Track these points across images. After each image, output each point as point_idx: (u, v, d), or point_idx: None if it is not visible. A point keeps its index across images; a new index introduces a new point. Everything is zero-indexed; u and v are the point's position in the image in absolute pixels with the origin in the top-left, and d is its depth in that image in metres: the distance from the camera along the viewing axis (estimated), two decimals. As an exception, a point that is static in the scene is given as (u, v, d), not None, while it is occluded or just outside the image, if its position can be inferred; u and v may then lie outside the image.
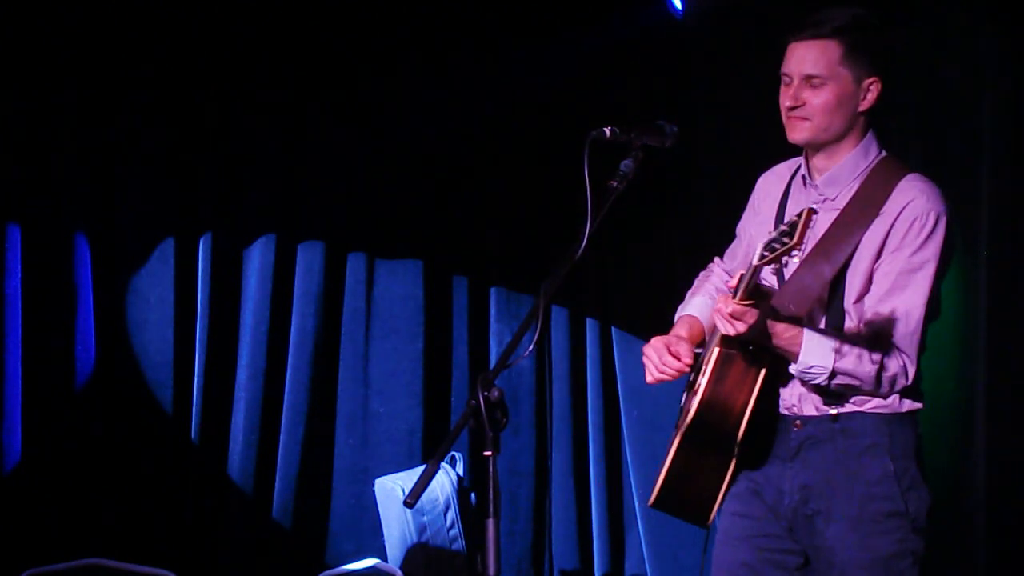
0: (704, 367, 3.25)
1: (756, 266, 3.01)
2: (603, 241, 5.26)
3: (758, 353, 3.15)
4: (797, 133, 3.26)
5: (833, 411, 3.22)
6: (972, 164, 4.67)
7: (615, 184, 3.18)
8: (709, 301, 3.50)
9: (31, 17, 4.97)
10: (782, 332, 3.10)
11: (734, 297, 3.07)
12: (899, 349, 3.16)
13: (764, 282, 3.29)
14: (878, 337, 3.15)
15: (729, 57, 5.13)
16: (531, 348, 3.26)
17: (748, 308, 3.05)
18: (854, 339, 3.14)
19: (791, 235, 2.89)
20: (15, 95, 4.96)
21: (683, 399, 3.44)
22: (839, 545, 3.19)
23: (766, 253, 2.96)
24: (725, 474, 3.24)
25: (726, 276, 3.54)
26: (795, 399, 3.25)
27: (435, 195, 5.62)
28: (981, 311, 4.60)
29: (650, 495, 3.36)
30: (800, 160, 3.40)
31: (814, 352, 3.11)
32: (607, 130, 3.14)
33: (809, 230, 2.88)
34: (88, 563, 4.74)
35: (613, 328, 5.53)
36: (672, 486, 3.27)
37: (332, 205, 5.50)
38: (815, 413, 3.23)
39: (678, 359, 3.30)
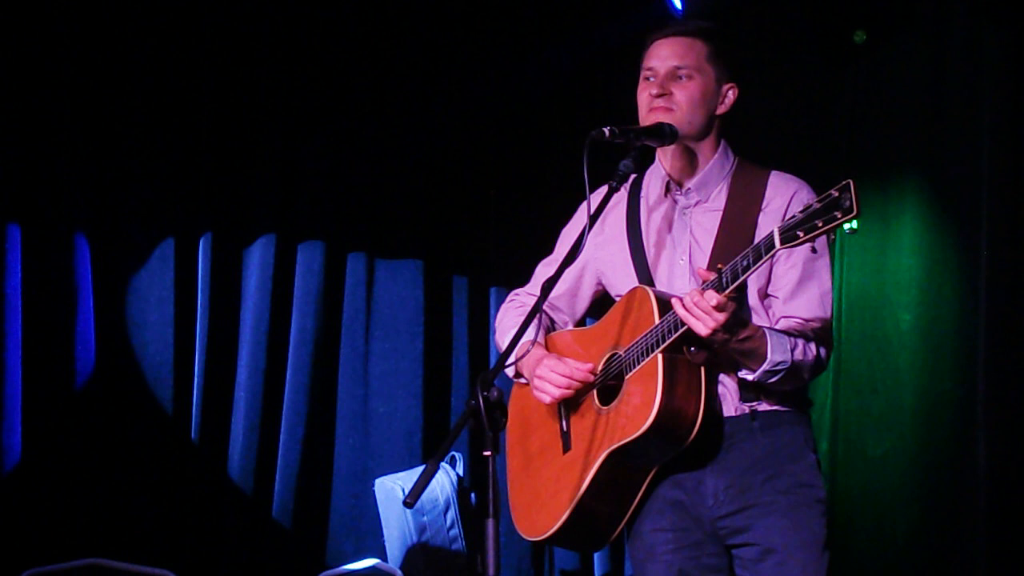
0: (629, 380, 3.18)
1: (779, 250, 2.90)
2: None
3: (698, 355, 3.11)
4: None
5: (750, 409, 3.22)
6: (972, 164, 4.67)
7: (615, 184, 3.19)
8: (532, 329, 3.40)
9: (31, 17, 4.97)
10: (755, 332, 3.10)
11: (720, 290, 2.99)
12: (821, 334, 3.21)
13: (660, 287, 3.27)
14: (804, 325, 3.19)
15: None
16: (531, 348, 3.26)
17: (730, 300, 3.00)
18: (791, 331, 3.16)
19: (838, 208, 2.79)
20: (15, 95, 4.95)
21: (563, 425, 3.36)
22: (778, 531, 3.18)
23: (799, 234, 2.85)
24: (639, 490, 3.22)
25: (543, 306, 3.45)
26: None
27: (435, 195, 5.62)
28: (981, 311, 4.59)
29: (537, 529, 3.30)
30: (605, 186, 3.29)
31: (778, 349, 3.11)
32: (607, 130, 3.14)
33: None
34: (88, 563, 4.73)
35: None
36: (582, 515, 3.21)
37: (332, 205, 5.49)
38: (733, 413, 3.23)
39: (579, 368, 3.28)
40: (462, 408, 2.99)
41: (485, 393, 2.77)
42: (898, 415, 4.88)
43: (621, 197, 3.43)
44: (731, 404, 3.23)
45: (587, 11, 5.44)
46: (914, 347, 4.86)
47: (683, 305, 3.04)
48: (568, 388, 3.29)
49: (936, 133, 4.84)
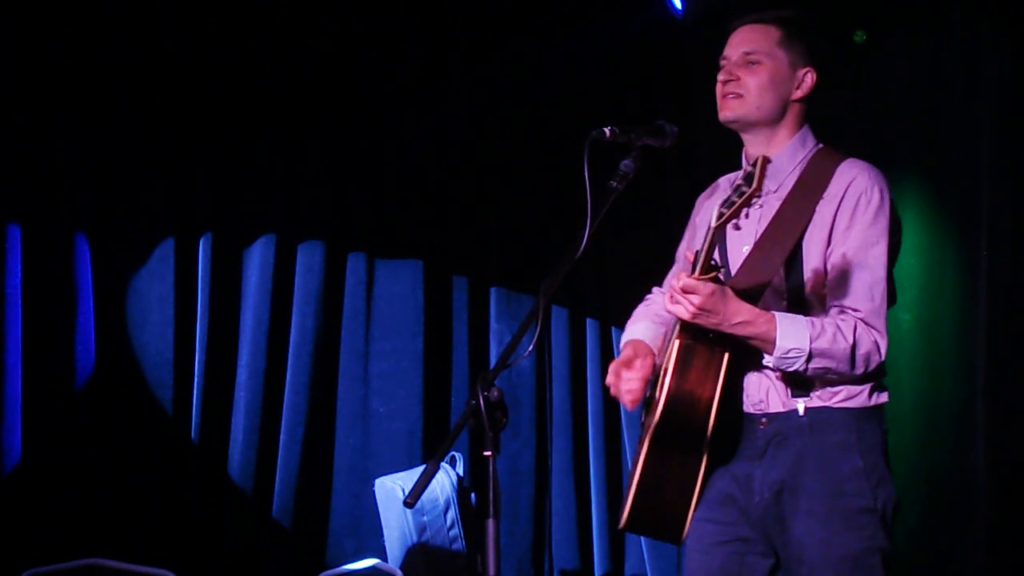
0: (664, 370, 3.16)
1: (715, 228, 2.93)
2: (603, 241, 5.26)
3: (719, 342, 3.07)
4: (729, 110, 3.26)
5: (800, 406, 3.17)
6: (972, 164, 4.67)
7: (615, 184, 3.17)
8: (652, 325, 3.47)
9: (31, 17, 4.98)
10: (755, 318, 3.06)
11: (692, 272, 2.98)
12: (868, 324, 3.13)
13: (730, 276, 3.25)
14: (846, 314, 3.12)
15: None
16: (531, 348, 3.25)
17: (702, 282, 2.98)
18: (824, 319, 3.11)
19: (748, 183, 2.84)
20: (16, 95, 4.96)
21: (643, 417, 3.36)
22: (809, 541, 3.13)
23: (724, 211, 2.89)
24: (696, 479, 3.16)
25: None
26: (762, 394, 3.19)
27: (435, 195, 5.62)
28: (981, 311, 4.59)
29: (620, 517, 3.28)
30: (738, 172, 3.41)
31: (790, 335, 3.05)
32: (607, 130, 3.13)
33: (765, 178, 2.84)
34: (88, 563, 4.74)
35: (613, 328, 5.53)
36: (645, 501, 3.18)
37: (332, 205, 5.50)
38: (782, 409, 3.18)
39: (637, 369, 3.25)
40: (462, 408, 2.98)
41: (485, 393, 2.76)
42: (898, 415, 4.87)
43: (724, 189, 3.41)
44: (780, 400, 3.18)
45: (588, 11, 5.44)
46: (914, 347, 4.85)
47: (669, 287, 3.06)
48: (629, 383, 3.26)
49: (936, 133, 4.84)
